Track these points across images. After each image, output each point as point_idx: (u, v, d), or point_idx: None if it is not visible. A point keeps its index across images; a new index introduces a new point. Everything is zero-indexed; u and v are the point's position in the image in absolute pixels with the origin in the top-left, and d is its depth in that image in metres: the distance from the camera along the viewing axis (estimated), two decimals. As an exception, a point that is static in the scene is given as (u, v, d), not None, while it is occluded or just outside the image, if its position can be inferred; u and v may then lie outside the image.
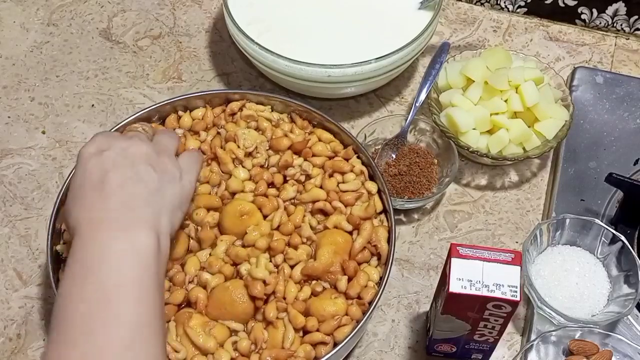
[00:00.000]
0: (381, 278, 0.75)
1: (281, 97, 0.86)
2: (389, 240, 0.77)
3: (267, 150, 0.83)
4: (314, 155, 0.82)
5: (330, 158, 0.83)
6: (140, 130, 0.73)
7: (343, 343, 0.70)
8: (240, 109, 0.85)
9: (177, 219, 0.68)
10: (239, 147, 0.81)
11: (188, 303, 0.74)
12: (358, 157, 0.83)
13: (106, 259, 0.58)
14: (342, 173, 0.81)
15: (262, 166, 0.81)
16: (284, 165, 0.80)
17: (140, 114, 0.84)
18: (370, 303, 0.73)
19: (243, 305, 0.72)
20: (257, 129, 0.84)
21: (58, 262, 0.76)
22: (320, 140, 0.84)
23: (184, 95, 0.86)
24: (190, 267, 0.75)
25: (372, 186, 0.81)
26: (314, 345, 0.71)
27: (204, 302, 0.73)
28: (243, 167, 0.81)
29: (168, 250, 0.65)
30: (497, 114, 0.90)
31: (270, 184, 0.80)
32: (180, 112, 0.86)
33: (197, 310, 0.73)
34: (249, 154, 0.82)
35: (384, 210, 0.80)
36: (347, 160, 0.82)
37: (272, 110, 0.86)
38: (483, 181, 0.94)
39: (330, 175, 0.81)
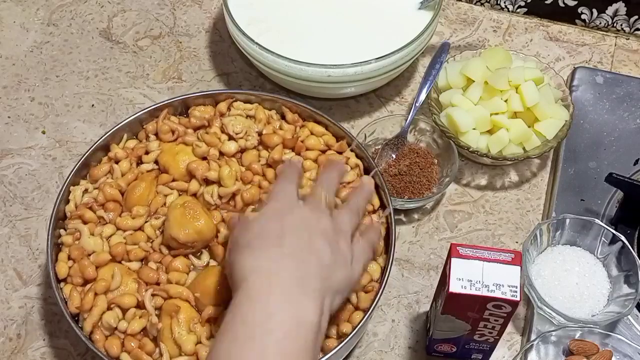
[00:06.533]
0: (381, 276, 0.75)
1: (271, 94, 0.86)
2: (388, 236, 0.77)
3: (256, 132, 0.83)
4: (307, 149, 0.82)
5: (323, 152, 0.82)
6: (322, 198, 0.71)
7: (343, 343, 0.70)
8: (229, 109, 0.85)
9: (337, 302, 0.65)
10: (228, 134, 0.82)
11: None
12: (352, 151, 0.82)
13: (272, 329, 0.58)
14: None
15: (255, 147, 0.82)
16: (272, 162, 0.80)
17: (140, 114, 0.84)
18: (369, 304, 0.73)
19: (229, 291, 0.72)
20: (253, 118, 0.84)
21: (58, 276, 0.75)
22: (312, 133, 0.83)
23: (184, 95, 0.86)
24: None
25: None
26: None
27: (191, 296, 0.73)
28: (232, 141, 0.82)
29: (325, 329, 0.63)
30: (497, 114, 0.90)
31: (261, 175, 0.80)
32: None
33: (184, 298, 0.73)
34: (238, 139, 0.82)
35: (382, 206, 0.79)
36: (340, 153, 0.82)
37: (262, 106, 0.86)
38: (483, 181, 0.94)
39: None
